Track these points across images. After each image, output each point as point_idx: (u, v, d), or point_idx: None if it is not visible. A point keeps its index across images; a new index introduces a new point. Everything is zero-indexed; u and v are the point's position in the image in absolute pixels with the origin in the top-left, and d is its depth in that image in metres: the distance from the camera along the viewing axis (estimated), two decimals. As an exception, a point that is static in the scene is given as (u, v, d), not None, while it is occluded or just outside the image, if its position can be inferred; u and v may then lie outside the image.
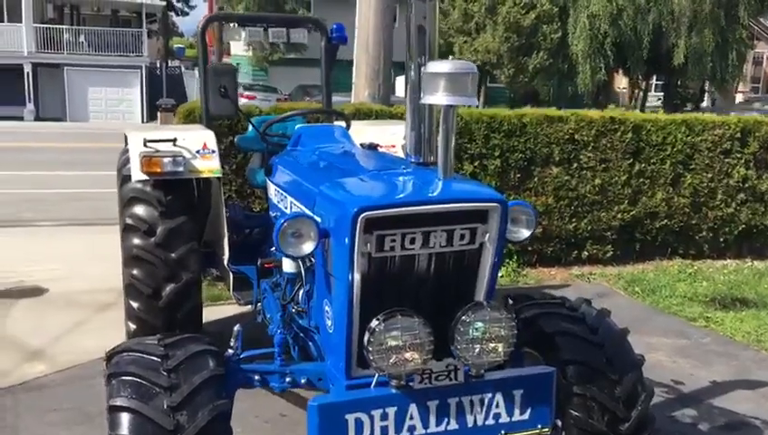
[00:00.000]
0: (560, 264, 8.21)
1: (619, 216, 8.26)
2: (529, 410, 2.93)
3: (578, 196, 8.08)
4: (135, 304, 4.52)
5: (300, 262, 3.43)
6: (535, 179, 7.92)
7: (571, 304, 3.65)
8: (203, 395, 2.81)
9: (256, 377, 3.24)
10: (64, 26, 33.92)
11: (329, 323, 3.10)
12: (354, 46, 8.39)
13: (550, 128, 7.84)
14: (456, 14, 29.34)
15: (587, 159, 8.03)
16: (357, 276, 2.81)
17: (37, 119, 30.34)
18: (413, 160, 3.28)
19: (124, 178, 4.67)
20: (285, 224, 2.87)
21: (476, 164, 7.61)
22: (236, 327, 3.29)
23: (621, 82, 41.19)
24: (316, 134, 4.13)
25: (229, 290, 4.81)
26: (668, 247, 8.65)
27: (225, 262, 4.64)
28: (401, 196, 2.88)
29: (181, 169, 4.47)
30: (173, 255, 4.47)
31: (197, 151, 4.63)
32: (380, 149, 4.33)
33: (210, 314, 6.06)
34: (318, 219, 3.01)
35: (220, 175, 4.67)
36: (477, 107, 8.21)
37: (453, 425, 2.82)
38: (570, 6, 29.54)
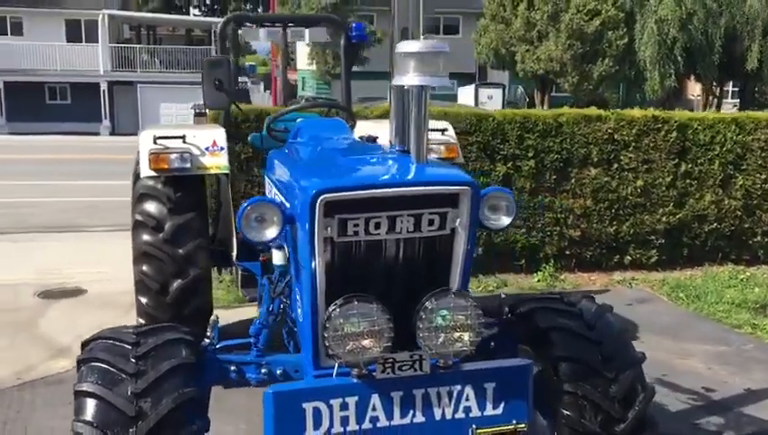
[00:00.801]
0: (600, 269, 7.91)
1: (664, 219, 7.91)
2: (503, 405, 2.78)
3: (618, 198, 7.78)
4: (144, 300, 4.58)
5: (287, 253, 3.38)
6: (572, 181, 7.67)
7: (569, 299, 3.49)
8: (169, 383, 2.77)
9: (232, 368, 3.20)
10: (137, 46, 35.27)
11: (299, 311, 3.04)
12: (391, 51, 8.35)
13: (587, 127, 7.59)
14: (518, 23, 28.91)
15: (628, 159, 7.73)
16: (319, 262, 2.74)
17: (113, 134, 31.65)
18: (397, 148, 3.20)
19: (137, 176, 4.75)
20: (248, 208, 2.84)
21: (509, 165, 7.44)
22: (213, 317, 3.27)
23: (695, 90, 39.82)
24: (313, 127, 4.09)
25: (237, 287, 4.82)
26: (719, 252, 8.22)
27: (233, 259, 4.65)
28: (363, 179, 2.79)
29: (188, 165, 4.52)
30: (180, 251, 4.51)
31: (206, 148, 4.67)
32: (380, 142, 4.26)
33: (236, 315, 6.12)
34: (288, 205, 2.97)
35: (227, 172, 4.68)
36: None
37: (419, 418, 2.71)
38: (636, 12, 28.73)
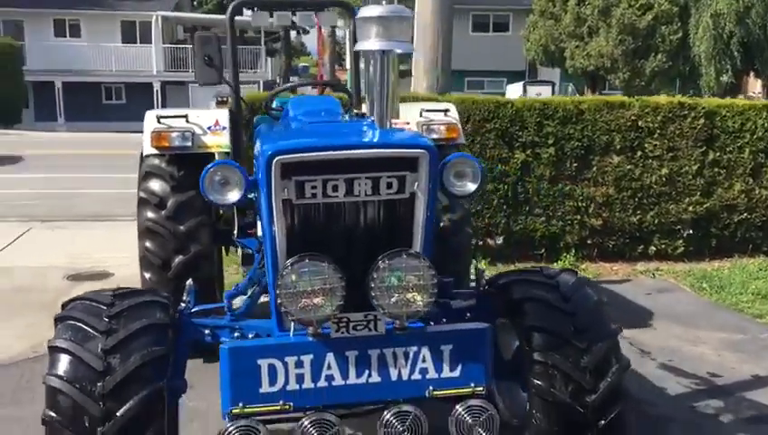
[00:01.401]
0: (623, 259, 7.75)
1: (691, 208, 7.71)
2: (460, 367, 2.78)
3: (642, 186, 7.61)
4: (147, 275, 4.72)
5: None
6: (594, 169, 7.54)
7: (548, 272, 3.46)
8: (139, 341, 2.86)
9: (206, 331, 3.27)
10: (189, 46, 36.01)
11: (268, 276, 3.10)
12: (414, 39, 8.38)
13: (610, 114, 7.44)
14: (569, 19, 28.48)
15: (652, 147, 7.56)
16: (279, 225, 2.79)
17: (165, 132, 32.40)
18: (372, 119, 3.23)
19: (142, 156, 4.89)
20: (212, 169, 2.90)
21: (528, 152, 7.36)
22: (189, 282, 3.36)
23: (756, 86, 38.57)
24: (303, 104, 4.14)
25: (239, 264, 4.92)
26: (750, 244, 7.96)
27: (234, 236, 4.74)
28: (318, 141, 2.83)
29: (189, 143, 4.64)
30: (182, 227, 4.63)
31: (209, 128, 4.78)
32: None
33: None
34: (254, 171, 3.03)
35: (228, 150, 4.78)
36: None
37: (375, 378, 2.74)
38: (691, 6, 27.98)
